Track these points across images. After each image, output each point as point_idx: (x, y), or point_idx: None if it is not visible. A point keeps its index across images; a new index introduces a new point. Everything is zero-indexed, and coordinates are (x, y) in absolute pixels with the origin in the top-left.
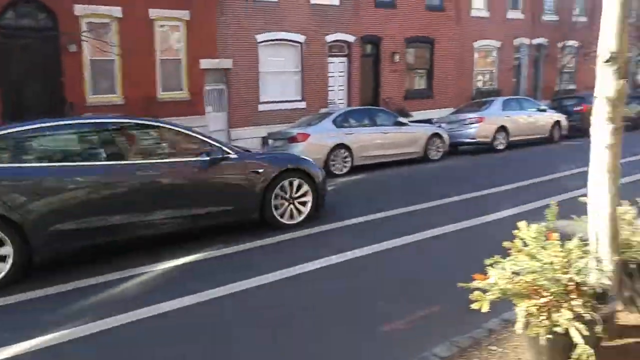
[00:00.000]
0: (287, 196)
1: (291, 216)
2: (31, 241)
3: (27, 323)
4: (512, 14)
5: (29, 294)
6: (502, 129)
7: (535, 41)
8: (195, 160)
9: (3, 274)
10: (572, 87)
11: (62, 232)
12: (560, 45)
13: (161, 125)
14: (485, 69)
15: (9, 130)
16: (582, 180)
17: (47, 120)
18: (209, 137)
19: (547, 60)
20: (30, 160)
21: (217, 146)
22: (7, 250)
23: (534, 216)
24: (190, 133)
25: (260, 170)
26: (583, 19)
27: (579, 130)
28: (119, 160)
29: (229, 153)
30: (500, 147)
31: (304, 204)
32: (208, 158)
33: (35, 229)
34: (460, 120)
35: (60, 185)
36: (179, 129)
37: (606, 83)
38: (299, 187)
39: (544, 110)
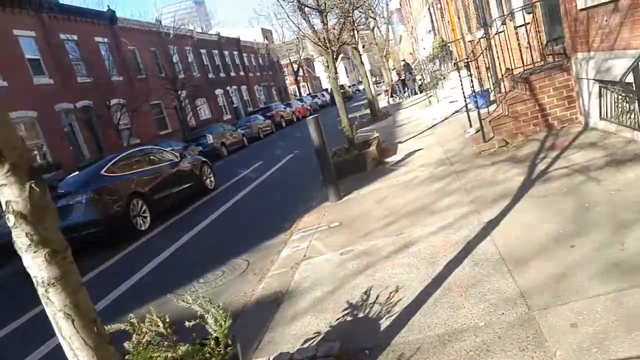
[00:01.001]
0: (207, 173)
1: (210, 184)
2: (150, 207)
3: None
4: (40, 80)
5: None
6: None
7: (80, 104)
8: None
9: (148, 224)
10: (136, 141)
11: (157, 199)
12: (107, 104)
13: (160, 148)
14: (30, 142)
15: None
16: None
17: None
18: (172, 152)
19: (100, 121)
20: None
21: (176, 155)
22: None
23: None
24: (163, 149)
25: (195, 164)
26: (120, 77)
27: None
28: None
29: (180, 159)
30: None
31: (213, 176)
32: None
33: (152, 201)
34: None
35: (152, 176)
36: (163, 149)
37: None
38: (209, 169)
39: None
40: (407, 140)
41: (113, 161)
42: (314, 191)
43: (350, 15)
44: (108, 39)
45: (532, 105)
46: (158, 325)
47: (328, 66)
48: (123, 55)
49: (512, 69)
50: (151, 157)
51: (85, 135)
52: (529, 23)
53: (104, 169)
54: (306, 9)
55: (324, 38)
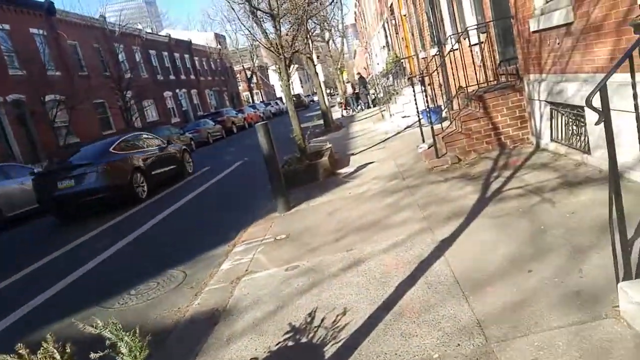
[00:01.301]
0: (187, 159)
1: (190, 167)
2: (147, 181)
3: None
4: None
5: None
6: None
7: (11, 97)
8: (159, 147)
9: (145, 196)
10: (76, 140)
11: (156, 174)
12: (42, 99)
13: (151, 134)
14: None
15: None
16: None
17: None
18: (159, 138)
19: (35, 116)
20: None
21: (163, 141)
22: (144, 184)
23: None
24: (154, 135)
25: (178, 150)
26: (58, 72)
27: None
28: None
29: (166, 144)
30: None
31: (191, 162)
32: (164, 145)
33: (148, 174)
34: None
35: (148, 156)
36: (152, 135)
37: None
38: (188, 156)
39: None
40: (359, 152)
41: (118, 141)
42: (262, 200)
43: (304, 22)
44: (45, 31)
45: (485, 123)
46: (54, 358)
47: (280, 73)
48: (62, 49)
49: (466, 87)
50: (146, 141)
51: (15, 130)
52: (483, 42)
53: (112, 147)
54: (258, 13)
55: (276, 44)
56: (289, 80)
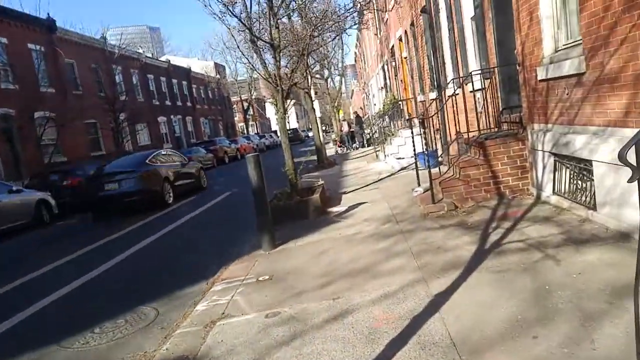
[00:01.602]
0: (202, 175)
1: (204, 183)
2: (173, 189)
3: None
4: None
5: None
6: None
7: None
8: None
9: (171, 201)
10: (63, 159)
11: (177, 185)
12: (32, 116)
13: (175, 152)
14: None
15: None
16: None
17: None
18: (182, 154)
19: (22, 132)
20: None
21: (185, 158)
22: (171, 191)
23: None
24: (178, 153)
25: (196, 167)
26: (51, 89)
27: (76, 206)
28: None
29: (187, 162)
30: None
31: (206, 178)
32: (186, 162)
33: (173, 184)
34: None
35: (173, 170)
36: (176, 152)
37: None
38: (203, 172)
39: (18, 192)
40: (352, 191)
41: (152, 155)
42: (248, 235)
43: (304, 55)
44: (43, 47)
45: (484, 170)
46: None
47: (277, 105)
48: (59, 66)
49: (467, 132)
50: (172, 157)
51: (1, 146)
52: (485, 88)
53: (148, 159)
54: (259, 42)
55: (275, 75)
56: (285, 113)
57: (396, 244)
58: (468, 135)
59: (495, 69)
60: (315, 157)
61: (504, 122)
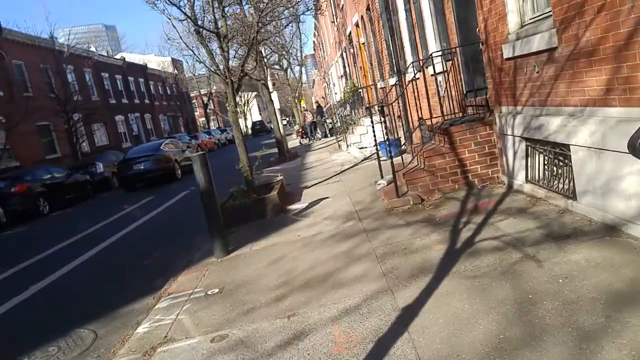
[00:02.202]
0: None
1: None
2: (180, 168)
3: None
4: None
5: None
6: None
7: None
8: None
9: (180, 176)
10: (15, 164)
11: (183, 165)
12: None
13: (180, 139)
14: None
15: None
16: None
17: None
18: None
19: None
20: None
21: (188, 145)
22: (179, 170)
23: None
24: (179, 140)
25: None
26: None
27: (23, 214)
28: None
29: (187, 148)
30: None
31: None
32: (185, 149)
33: (180, 164)
34: None
35: (179, 154)
36: (180, 140)
37: None
38: None
39: None
40: (313, 185)
41: (164, 143)
42: (201, 240)
43: (254, 44)
44: None
45: (451, 159)
46: None
47: (227, 98)
48: (6, 69)
49: (430, 119)
50: (178, 144)
51: None
52: (447, 71)
53: (161, 146)
54: (203, 32)
55: (223, 67)
56: (236, 107)
57: (359, 245)
58: (431, 121)
59: (457, 49)
60: (274, 150)
61: (468, 105)
